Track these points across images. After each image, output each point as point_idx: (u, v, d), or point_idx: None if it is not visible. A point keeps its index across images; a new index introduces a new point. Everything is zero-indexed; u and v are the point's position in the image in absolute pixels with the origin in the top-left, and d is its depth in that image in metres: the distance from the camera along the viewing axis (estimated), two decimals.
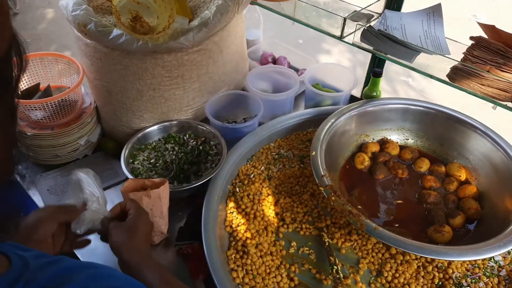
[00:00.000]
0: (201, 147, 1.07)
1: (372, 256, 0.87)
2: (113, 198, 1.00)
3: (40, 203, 1.00)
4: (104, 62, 0.99)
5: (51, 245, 0.64)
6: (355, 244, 0.89)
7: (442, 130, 1.09)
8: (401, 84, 2.88)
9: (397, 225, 0.93)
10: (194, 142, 1.08)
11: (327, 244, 0.88)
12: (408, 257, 0.86)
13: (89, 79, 1.08)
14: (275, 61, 1.45)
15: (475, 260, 0.85)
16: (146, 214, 0.72)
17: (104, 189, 1.03)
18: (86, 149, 1.10)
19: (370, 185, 1.03)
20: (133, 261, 0.63)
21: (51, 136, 1.02)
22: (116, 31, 0.92)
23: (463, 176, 1.03)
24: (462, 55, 0.94)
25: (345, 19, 1.03)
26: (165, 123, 1.09)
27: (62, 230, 0.66)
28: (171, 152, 1.06)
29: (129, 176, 0.94)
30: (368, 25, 1.04)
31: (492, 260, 0.87)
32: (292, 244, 0.90)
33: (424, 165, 1.07)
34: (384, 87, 2.79)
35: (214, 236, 0.86)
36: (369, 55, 1.29)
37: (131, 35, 0.92)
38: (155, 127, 1.08)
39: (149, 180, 0.86)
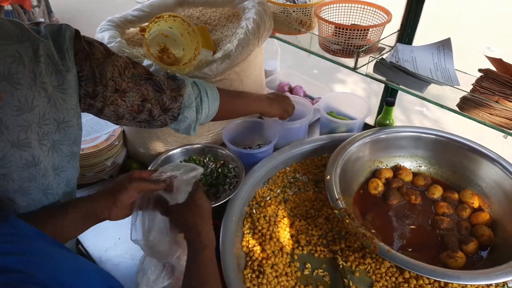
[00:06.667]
0: (220, 170, 1.12)
1: (386, 280, 0.89)
2: None
3: None
4: None
5: (130, 209, 0.73)
6: (369, 267, 0.91)
7: (454, 158, 1.12)
8: (415, 114, 2.91)
9: (410, 249, 0.95)
10: (214, 164, 1.13)
11: (341, 266, 0.91)
12: (421, 282, 0.87)
13: None
14: (291, 90, 1.52)
15: (487, 285, 0.86)
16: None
17: None
18: (112, 170, 1.17)
19: (384, 210, 1.06)
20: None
21: (81, 157, 1.09)
22: (146, 61, 1.00)
23: (476, 203, 1.05)
24: (471, 86, 0.98)
25: (358, 52, 1.09)
26: (187, 147, 1.15)
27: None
28: None
29: None
30: (380, 57, 1.09)
31: (506, 286, 0.87)
32: (307, 265, 0.92)
33: (437, 192, 1.09)
34: (399, 117, 2.82)
35: (231, 255, 0.90)
36: (383, 85, 1.34)
37: (159, 65, 1.00)
38: (178, 150, 1.14)
39: None
